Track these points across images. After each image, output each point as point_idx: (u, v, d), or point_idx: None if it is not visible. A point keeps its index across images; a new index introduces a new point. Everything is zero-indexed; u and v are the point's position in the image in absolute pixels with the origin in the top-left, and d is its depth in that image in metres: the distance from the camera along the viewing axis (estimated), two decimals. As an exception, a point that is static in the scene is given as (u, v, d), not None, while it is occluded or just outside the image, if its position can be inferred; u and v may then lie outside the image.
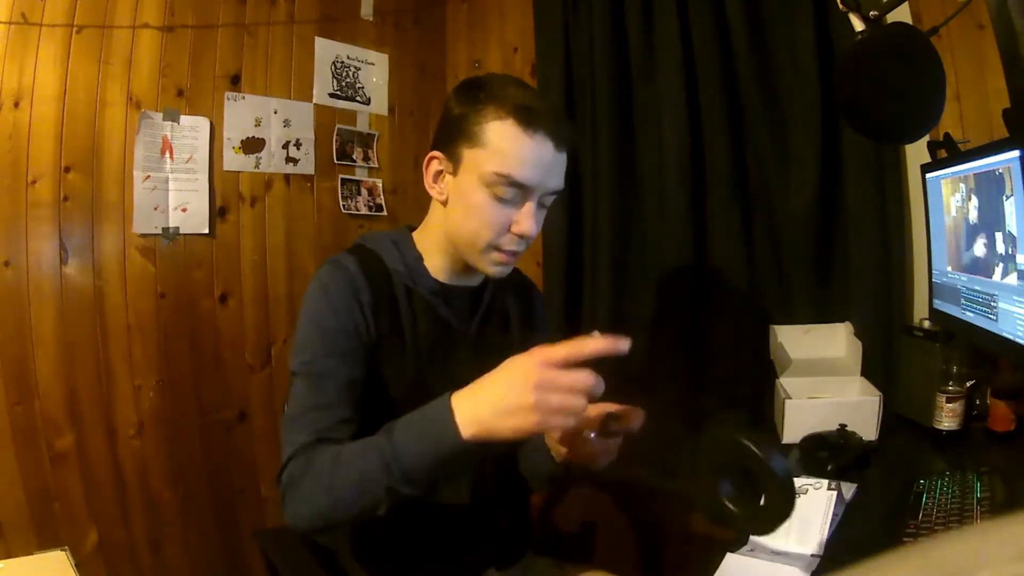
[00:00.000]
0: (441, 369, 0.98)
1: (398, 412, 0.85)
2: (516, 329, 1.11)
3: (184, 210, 1.74)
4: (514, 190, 0.90)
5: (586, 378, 0.71)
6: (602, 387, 0.72)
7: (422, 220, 1.05)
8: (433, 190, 0.97)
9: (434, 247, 1.00)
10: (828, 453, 1.12)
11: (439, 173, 0.96)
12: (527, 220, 0.91)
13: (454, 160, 0.93)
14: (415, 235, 1.03)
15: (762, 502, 0.65)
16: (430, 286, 0.99)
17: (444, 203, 0.97)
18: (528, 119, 0.88)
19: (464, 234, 0.94)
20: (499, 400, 0.72)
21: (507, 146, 0.88)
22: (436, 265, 1.00)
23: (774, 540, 0.90)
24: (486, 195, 0.91)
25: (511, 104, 0.89)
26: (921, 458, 1.17)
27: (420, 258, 1.00)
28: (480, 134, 0.90)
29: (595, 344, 0.71)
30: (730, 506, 0.66)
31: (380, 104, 2.17)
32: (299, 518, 0.84)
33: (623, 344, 0.70)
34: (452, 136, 0.93)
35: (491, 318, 1.07)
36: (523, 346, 1.09)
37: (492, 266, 0.95)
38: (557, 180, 0.94)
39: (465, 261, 0.99)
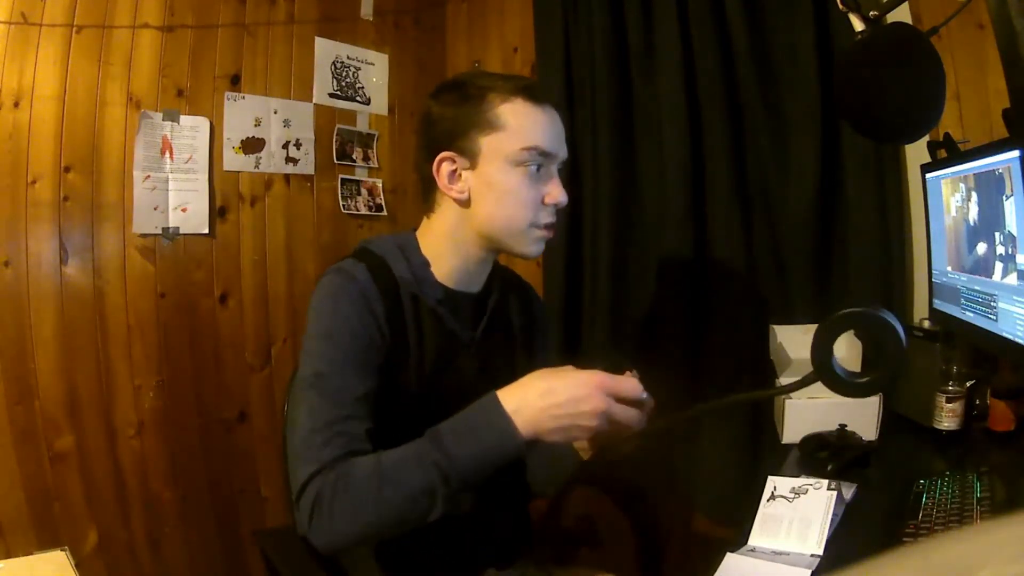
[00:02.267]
0: (447, 376, 0.98)
1: (406, 419, 0.87)
2: (518, 334, 1.11)
3: (184, 210, 1.75)
4: (542, 160, 0.94)
5: (638, 387, 0.77)
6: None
7: (422, 220, 1.04)
8: (451, 191, 0.95)
9: (442, 250, 0.99)
10: (828, 453, 1.12)
11: (454, 172, 0.95)
12: (558, 189, 0.95)
13: (470, 154, 0.93)
14: (419, 238, 1.01)
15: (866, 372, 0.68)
16: (437, 295, 0.98)
17: (466, 201, 0.95)
18: (534, 95, 0.94)
19: (502, 220, 0.95)
20: (560, 414, 0.76)
21: (526, 122, 0.93)
22: (443, 270, 0.99)
23: (774, 540, 0.90)
24: (517, 174, 0.93)
25: (511, 85, 0.93)
26: (921, 458, 1.17)
27: (427, 264, 0.98)
28: (495, 119, 0.92)
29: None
30: (843, 373, 0.68)
31: (380, 104, 2.17)
32: (336, 535, 0.80)
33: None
34: (461, 130, 0.93)
35: (495, 325, 1.06)
36: (525, 350, 1.10)
37: (534, 245, 0.97)
38: (565, 148, 0.99)
39: (479, 258, 0.99)
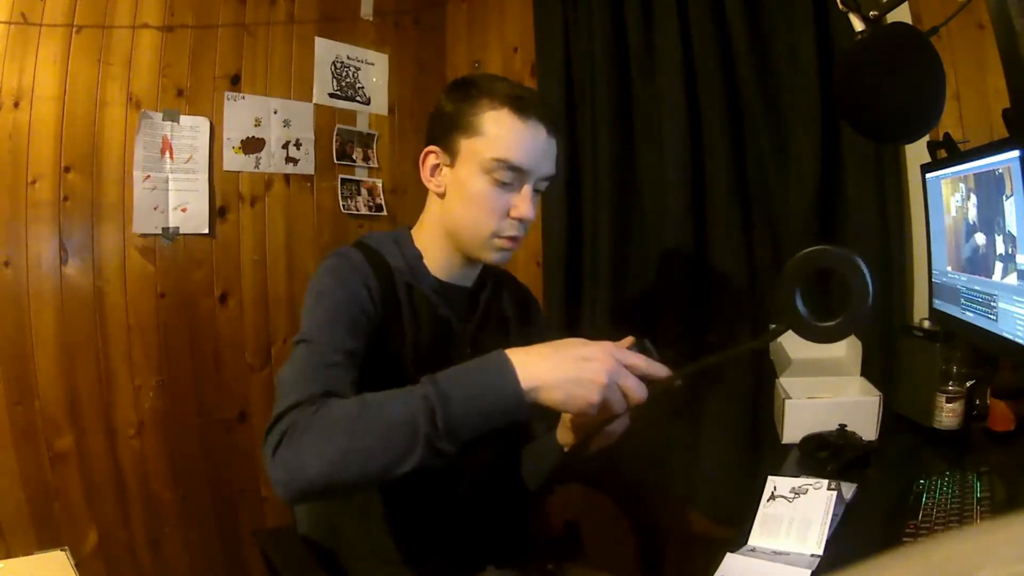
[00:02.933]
0: (442, 365, 0.98)
1: None
2: (515, 331, 1.11)
3: (184, 210, 1.75)
4: (512, 174, 0.94)
5: (659, 368, 0.75)
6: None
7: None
8: (431, 184, 1.00)
9: (432, 243, 1.02)
10: (828, 453, 1.12)
11: (436, 167, 0.99)
12: (525, 204, 0.95)
13: (451, 152, 0.96)
14: (413, 233, 1.05)
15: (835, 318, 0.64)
16: (431, 284, 1.00)
17: (441, 195, 0.99)
18: (521, 107, 0.94)
19: (465, 223, 0.97)
20: (566, 368, 0.72)
21: (504, 133, 0.93)
22: (435, 262, 1.01)
23: (774, 540, 0.90)
24: (486, 182, 0.94)
25: (504, 95, 0.94)
26: (921, 458, 1.17)
27: (420, 256, 1.01)
28: (477, 124, 0.94)
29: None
30: (808, 317, 0.65)
31: (380, 104, 2.17)
32: (299, 468, 0.72)
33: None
34: (448, 129, 0.96)
35: (489, 319, 1.07)
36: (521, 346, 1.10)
37: (494, 253, 0.98)
38: (549, 165, 0.98)
39: (464, 255, 1.00)
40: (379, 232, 1.06)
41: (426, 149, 0.99)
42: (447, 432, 0.71)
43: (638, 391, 0.72)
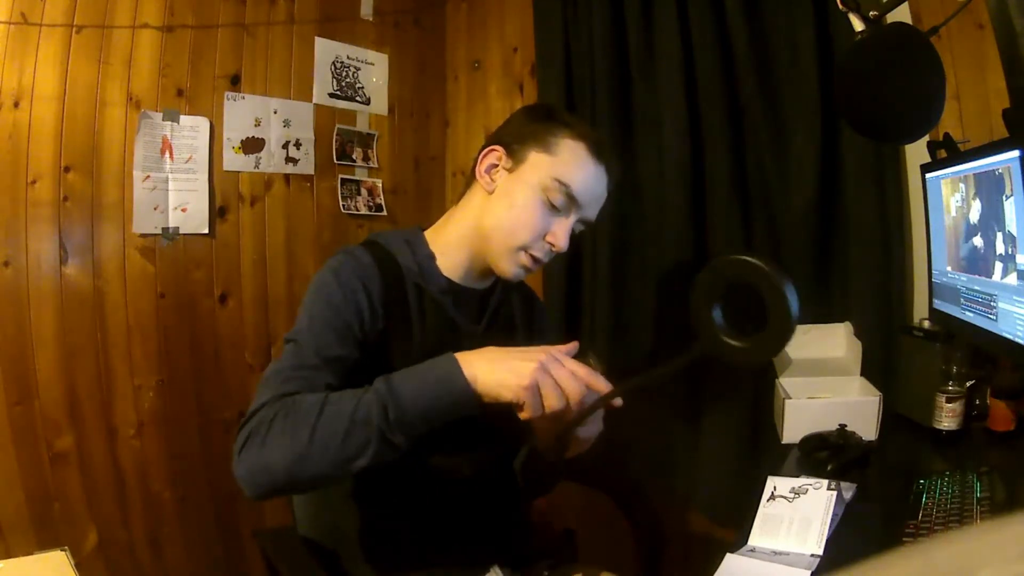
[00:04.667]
0: None
1: None
2: (521, 334, 1.12)
3: (184, 210, 1.75)
4: (565, 201, 0.96)
5: (587, 371, 0.77)
6: (598, 389, 0.77)
7: (421, 220, 1.07)
8: (483, 179, 1.01)
9: (453, 244, 1.02)
10: (828, 453, 1.12)
11: (494, 166, 1.00)
12: (563, 232, 0.97)
13: (516, 158, 0.99)
14: (428, 234, 1.05)
15: (757, 334, 0.59)
16: (440, 285, 1.00)
17: (490, 193, 1.00)
18: (599, 149, 0.98)
19: (502, 228, 0.98)
20: (501, 359, 0.78)
21: (575, 162, 0.97)
22: (450, 264, 1.02)
23: (774, 540, 0.90)
24: (538, 198, 0.96)
25: (586, 133, 0.99)
26: (921, 458, 1.17)
27: (432, 257, 1.01)
28: (553, 144, 0.97)
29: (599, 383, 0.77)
30: (726, 338, 0.62)
31: (380, 104, 2.17)
32: (261, 464, 0.78)
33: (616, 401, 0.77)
34: (522, 137, 0.99)
35: (497, 321, 1.07)
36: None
37: (514, 267, 0.98)
38: (595, 211, 1.02)
39: (483, 262, 1.01)
40: (390, 231, 1.06)
41: (490, 147, 1.01)
42: (399, 425, 0.76)
43: (571, 383, 0.76)
